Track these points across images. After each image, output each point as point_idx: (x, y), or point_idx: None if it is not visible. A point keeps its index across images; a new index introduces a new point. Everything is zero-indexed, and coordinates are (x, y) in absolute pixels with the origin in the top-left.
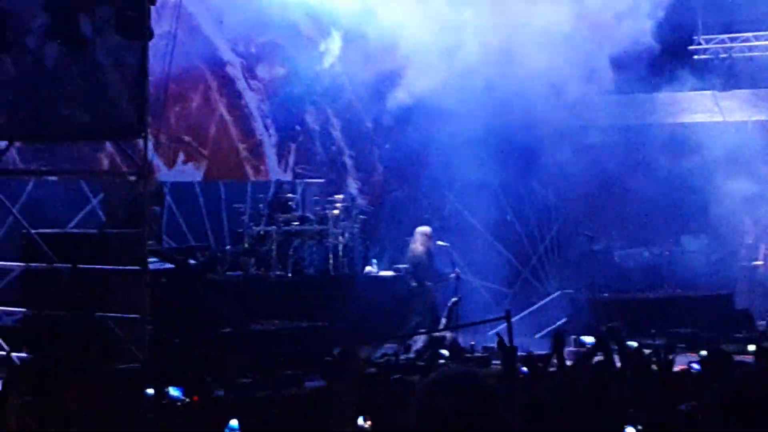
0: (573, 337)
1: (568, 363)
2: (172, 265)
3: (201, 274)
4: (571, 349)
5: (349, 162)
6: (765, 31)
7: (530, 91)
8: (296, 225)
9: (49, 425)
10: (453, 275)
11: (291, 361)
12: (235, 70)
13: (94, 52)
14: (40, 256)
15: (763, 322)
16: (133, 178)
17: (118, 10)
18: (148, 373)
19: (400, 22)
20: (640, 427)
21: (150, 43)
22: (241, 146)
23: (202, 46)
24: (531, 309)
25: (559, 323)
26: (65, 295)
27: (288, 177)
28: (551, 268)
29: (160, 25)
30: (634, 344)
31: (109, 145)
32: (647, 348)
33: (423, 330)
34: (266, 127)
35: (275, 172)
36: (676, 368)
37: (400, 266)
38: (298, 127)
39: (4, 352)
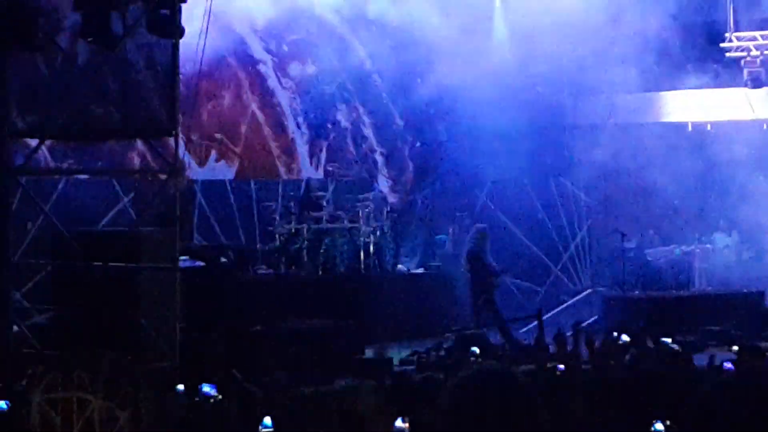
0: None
1: (601, 359)
2: (203, 264)
3: (232, 272)
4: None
5: (380, 160)
6: None
7: (560, 88)
8: (327, 223)
9: (74, 424)
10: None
11: (322, 359)
12: (266, 68)
13: (125, 50)
14: (71, 254)
15: None
16: (164, 176)
17: (149, 9)
18: (180, 371)
19: (429, 16)
20: (668, 423)
21: (181, 41)
22: (273, 144)
23: (233, 44)
24: (562, 307)
25: (590, 321)
26: (96, 294)
27: (319, 175)
28: (582, 266)
29: (192, 23)
30: (668, 341)
31: (140, 144)
32: (679, 345)
33: (455, 328)
34: (298, 125)
35: (307, 170)
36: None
37: (431, 264)
38: (329, 125)
39: (34, 350)
